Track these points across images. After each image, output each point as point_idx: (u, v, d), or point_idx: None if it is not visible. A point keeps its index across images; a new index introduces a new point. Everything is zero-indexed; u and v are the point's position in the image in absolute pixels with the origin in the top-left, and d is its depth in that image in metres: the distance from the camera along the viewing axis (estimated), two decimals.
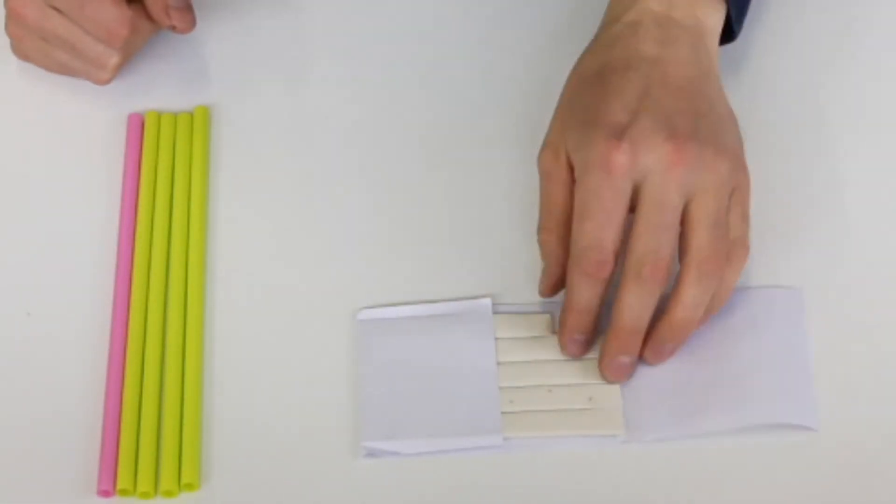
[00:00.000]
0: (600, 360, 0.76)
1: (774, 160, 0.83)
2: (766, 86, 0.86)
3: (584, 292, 0.75)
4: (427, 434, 0.76)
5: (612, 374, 0.76)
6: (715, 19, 0.80)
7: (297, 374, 0.79)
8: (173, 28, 0.85)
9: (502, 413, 0.76)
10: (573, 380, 0.77)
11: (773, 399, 0.75)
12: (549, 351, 0.78)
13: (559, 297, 0.79)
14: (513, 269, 0.81)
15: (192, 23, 0.86)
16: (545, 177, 0.78)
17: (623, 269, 0.74)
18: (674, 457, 0.75)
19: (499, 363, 0.78)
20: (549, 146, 0.78)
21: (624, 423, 0.76)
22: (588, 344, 0.77)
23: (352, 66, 0.89)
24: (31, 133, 0.88)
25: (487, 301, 0.80)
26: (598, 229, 0.74)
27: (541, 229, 0.78)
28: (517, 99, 0.87)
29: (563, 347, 0.77)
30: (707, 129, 0.76)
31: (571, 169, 0.76)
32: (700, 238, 0.74)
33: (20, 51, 0.86)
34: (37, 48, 0.85)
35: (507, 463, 0.76)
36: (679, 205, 0.74)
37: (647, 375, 0.77)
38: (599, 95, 0.77)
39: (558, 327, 0.78)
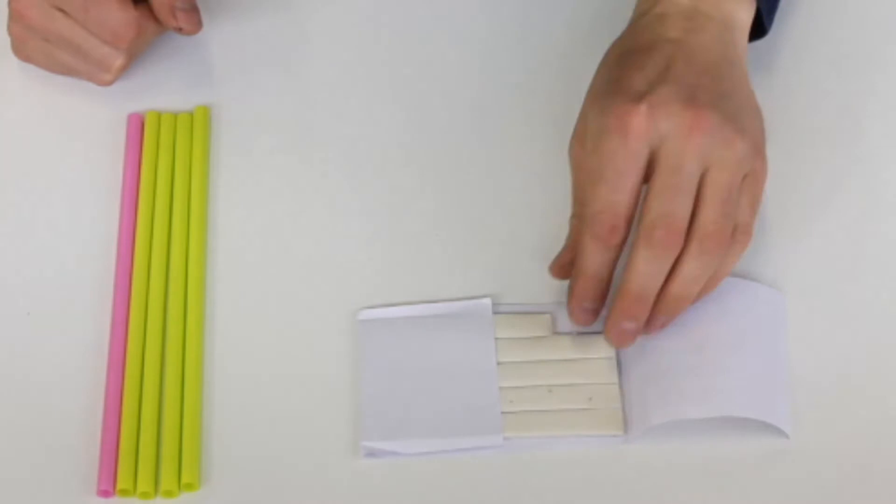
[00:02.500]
0: (605, 324, 0.75)
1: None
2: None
3: (595, 258, 0.74)
4: (427, 434, 0.76)
5: (615, 338, 0.75)
6: (743, 15, 0.79)
7: (298, 374, 0.79)
8: (179, 30, 0.85)
9: (502, 413, 0.76)
10: (573, 380, 0.77)
11: (750, 394, 0.75)
12: (550, 351, 0.78)
13: (561, 296, 0.79)
14: (513, 269, 0.81)
15: (198, 24, 0.85)
16: (576, 167, 0.76)
17: (636, 233, 0.73)
18: (674, 457, 0.75)
19: (499, 363, 0.78)
20: (576, 136, 0.77)
21: (624, 423, 0.76)
22: (596, 314, 0.76)
23: (352, 66, 0.89)
24: (32, 133, 0.88)
25: (487, 301, 0.80)
26: (612, 193, 0.73)
27: (572, 216, 0.77)
28: (519, 99, 0.87)
29: (570, 315, 0.76)
30: (728, 108, 0.74)
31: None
32: (706, 213, 0.72)
33: (21, 51, 0.86)
34: (39, 49, 0.85)
35: (507, 463, 0.76)
36: (696, 172, 0.72)
37: (649, 373, 0.77)
38: (622, 71, 0.76)
39: (567, 295, 0.76)
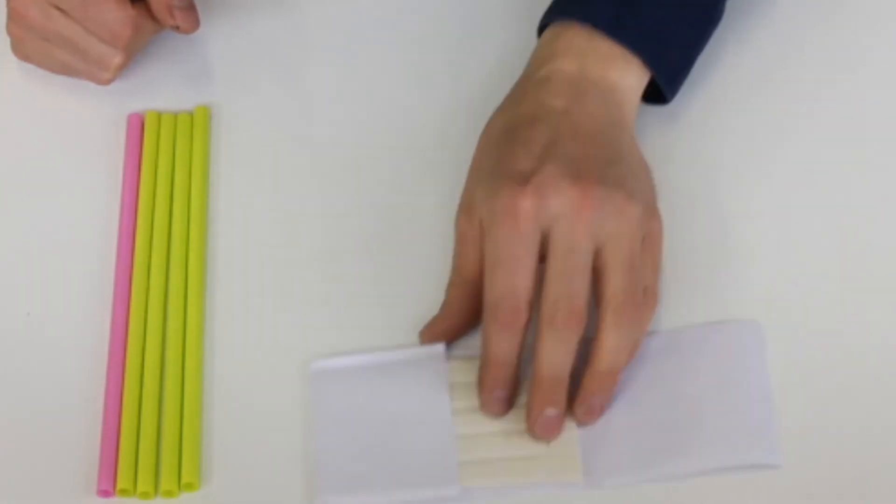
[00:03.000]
0: (527, 419, 0.74)
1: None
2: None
3: (501, 344, 0.74)
4: (384, 486, 0.74)
5: (540, 430, 0.74)
6: (631, 81, 0.79)
7: (299, 371, 0.79)
8: (177, 28, 0.85)
9: (459, 462, 0.74)
10: None
11: (735, 440, 0.73)
12: None
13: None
14: None
15: (195, 23, 0.85)
16: (459, 238, 0.77)
17: (538, 319, 0.73)
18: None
19: (454, 410, 0.76)
20: (462, 208, 0.77)
21: (582, 468, 0.74)
22: (509, 401, 0.75)
23: (352, 66, 0.89)
24: (31, 133, 0.88)
25: (441, 346, 0.77)
26: (509, 277, 0.73)
27: (450, 285, 0.78)
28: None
29: (483, 406, 0.75)
30: (616, 175, 0.74)
31: (483, 228, 0.75)
32: (615, 283, 0.73)
33: (21, 51, 0.86)
34: (38, 48, 0.85)
35: None
36: (589, 249, 0.73)
37: (604, 418, 0.75)
38: (507, 148, 0.76)
39: (478, 387, 0.75)
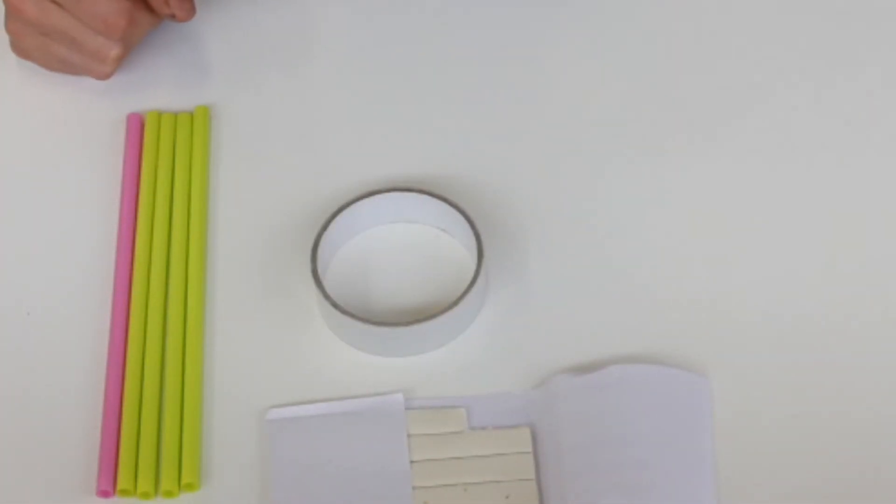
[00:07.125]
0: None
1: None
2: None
3: None
4: None
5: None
6: None
7: (297, 371, 0.79)
8: (173, 17, 0.85)
9: None
10: (489, 477, 0.74)
11: (672, 489, 0.73)
12: (465, 447, 0.75)
13: (474, 389, 0.77)
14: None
15: (191, 11, 0.85)
16: None
17: None
18: None
19: (412, 462, 0.75)
20: None
21: None
22: None
23: (353, 66, 0.89)
24: (31, 133, 0.88)
25: (399, 396, 0.77)
26: None
27: None
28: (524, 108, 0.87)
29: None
30: None
31: None
32: None
33: (20, 48, 0.86)
34: (36, 44, 0.85)
35: None
36: None
37: (568, 470, 0.74)
38: None
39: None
